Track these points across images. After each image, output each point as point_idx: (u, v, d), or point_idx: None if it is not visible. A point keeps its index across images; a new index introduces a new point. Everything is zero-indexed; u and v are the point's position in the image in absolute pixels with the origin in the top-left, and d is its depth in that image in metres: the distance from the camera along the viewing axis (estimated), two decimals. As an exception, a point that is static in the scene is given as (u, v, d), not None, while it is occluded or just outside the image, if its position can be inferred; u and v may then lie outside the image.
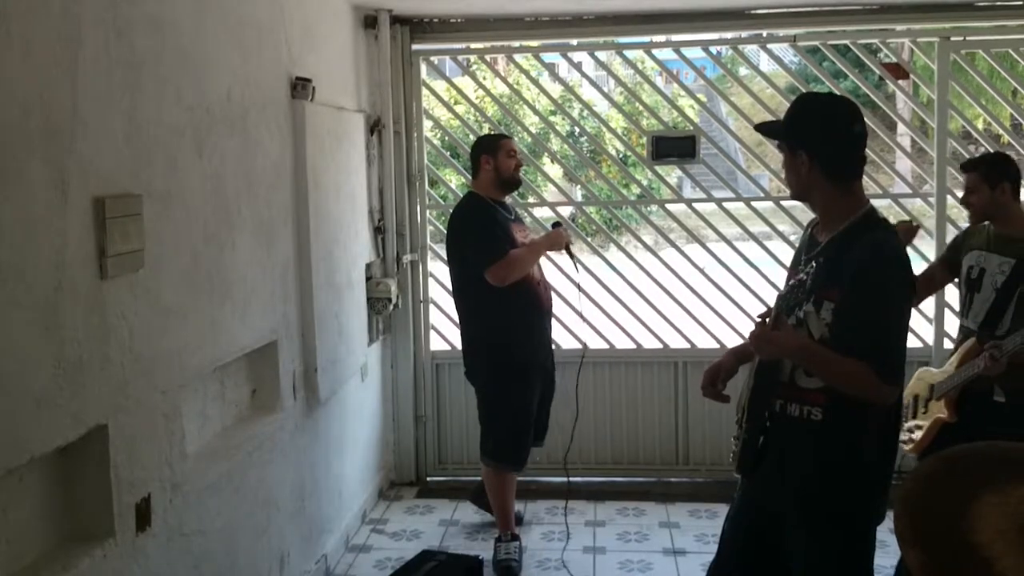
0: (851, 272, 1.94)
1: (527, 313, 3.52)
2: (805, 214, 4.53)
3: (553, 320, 3.77)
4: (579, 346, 4.43)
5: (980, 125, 8.11)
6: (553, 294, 3.84)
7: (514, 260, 3.40)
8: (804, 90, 4.73)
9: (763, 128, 2.15)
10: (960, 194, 3.16)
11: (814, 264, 1.97)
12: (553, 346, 3.81)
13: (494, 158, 3.57)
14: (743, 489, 2.23)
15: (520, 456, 3.59)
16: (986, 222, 3.01)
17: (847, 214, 2.03)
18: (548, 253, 3.74)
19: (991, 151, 3.60)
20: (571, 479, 3.90)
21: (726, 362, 2.28)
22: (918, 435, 2.98)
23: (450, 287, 3.73)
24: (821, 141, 2.02)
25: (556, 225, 3.75)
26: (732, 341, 4.46)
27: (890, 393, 1.97)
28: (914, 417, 3.05)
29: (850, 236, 2.00)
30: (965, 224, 4.54)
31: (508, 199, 3.74)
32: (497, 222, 3.51)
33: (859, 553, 2.05)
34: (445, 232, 3.67)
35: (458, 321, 3.66)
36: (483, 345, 3.56)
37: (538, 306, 3.55)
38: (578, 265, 3.81)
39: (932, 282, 3.26)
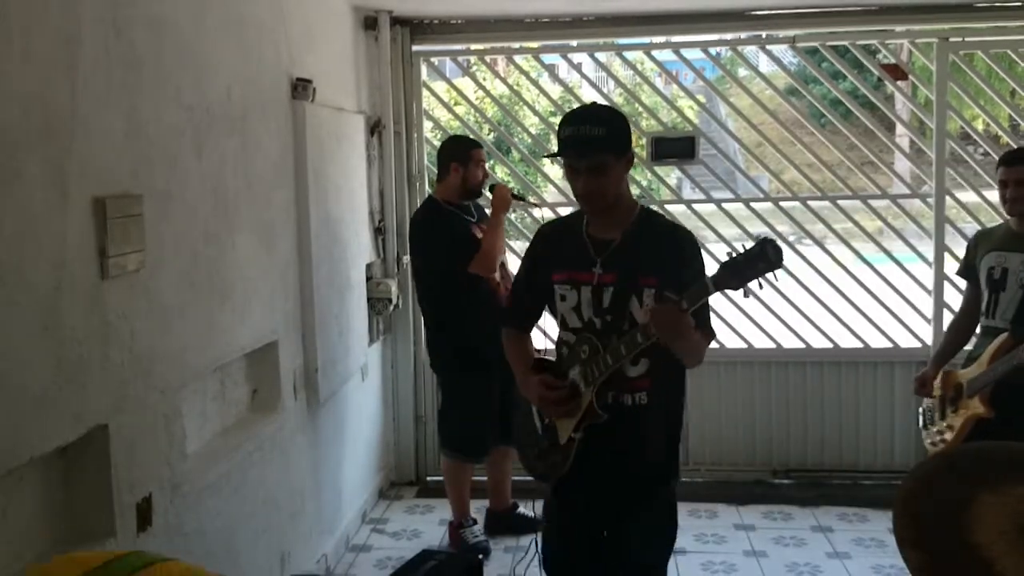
0: (671, 257, 2.17)
1: (488, 316, 3.55)
2: (805, 214, 4.57)
3: None
4: None
5: (978, 126, 8.12)
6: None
7: (487, 248, 3.52)
8: (804, 91, 4.74)
9: (599, 144, 2.12)
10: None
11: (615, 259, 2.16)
12: None
13: (464, 167, 3.61)
14: (566, 496, 2.29)
15: (479, 448, 3.70)
16: (1002, 225, 3.02)
17: (633, 208, 2.24)
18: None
19: (991, 151, 3.60)
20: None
21: None
22: (949, 436, 2.94)
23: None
24: (631, 139, 2.24)
25: (492, 188, 3.74)
26: (731, 341, 4.48)
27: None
28: (942, 417, 3.01)
29: (644, 226, 2.22)
30: (964, 225, 4.56)
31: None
32: (456, 227, 3.57)
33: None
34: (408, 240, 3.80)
35: (424, 323, 3.85)
36: (447, 344, 3.70)
37: (494, 305, 3.59)
38: (533, 198, 3.93)
39: (973, 306, 3.12)
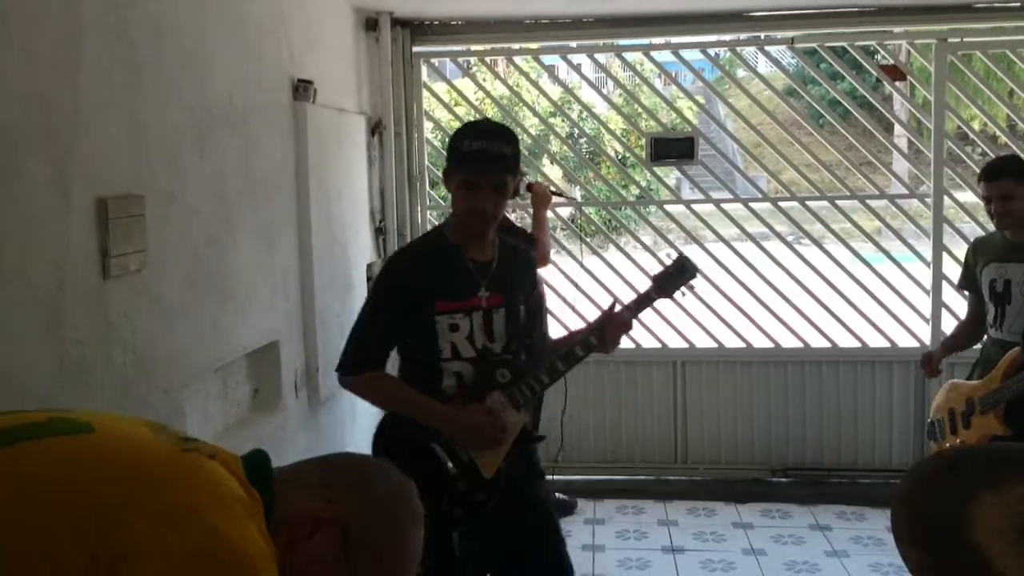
0: (529, 271, 2.30)
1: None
2: (803, 214, 4.57)
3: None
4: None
5: (976, 126, 8.13)
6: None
7: (546, 243, 3.64)
8: (802, 92, 4.75)
9: (505, 163, 2.09)
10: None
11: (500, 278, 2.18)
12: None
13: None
14: (481, 528, 2.19)
15: None
16: (998, 232, 2.96)
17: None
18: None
19: (1000, 153, 3.58)
20: (571, 477, 3.97)
21: None
22: None
23: None
24: None
25: (529, 188, 3.74)
26: (730, 341, 4.49)
27: None
28: (953, 433, 2.97)
29: (504, 244, 2.27)
30: (963, 225, 4.57)
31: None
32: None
33: None
34: None
35: None
36: None
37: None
38: (560, 192, 3.97)
39: (978, 315, 3.11)
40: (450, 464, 2.09)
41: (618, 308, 2.25)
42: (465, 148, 2.09)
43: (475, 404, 2.10)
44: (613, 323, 2.19)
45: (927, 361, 3.21)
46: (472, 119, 8.57)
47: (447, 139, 2.14)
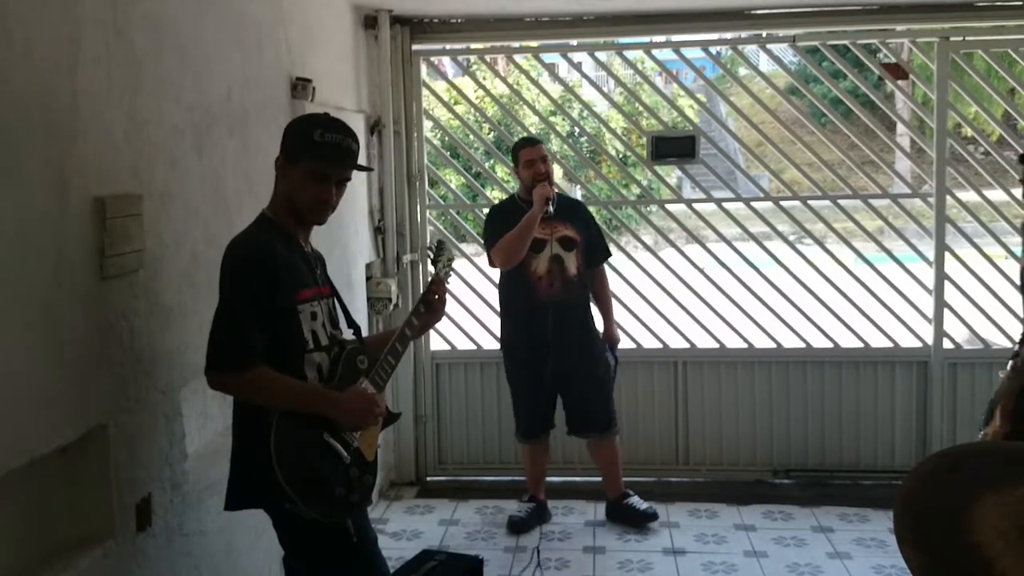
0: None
1: (518, 305, 3.76)
2: (805, 214, 4.56)
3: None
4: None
5: (979, 124, 8.11)
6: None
7: (503, 243, 3.65)
8: (804, 90, 4.75)
9: (356, 159, 2.11)
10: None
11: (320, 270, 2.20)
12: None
13: (516, 166, 3.79)
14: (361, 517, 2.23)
15: (521, 430, 3.90)
16: None
17: None
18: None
19: (1002, 151, 3.53)
20: (572, 479, 3.98)
21: None
22: None
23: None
24: None
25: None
26: (732, 341, 4.48)
27: None
28: (987, 425, 2.94)
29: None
30: (965, 225, 4.55)
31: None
32: (509, 219, 3.67)
33: None
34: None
35: None
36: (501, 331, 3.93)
37: (533, 299, 3.71)
38: (552, 207, 3.66)
39: None
40: (344, 452, 2.06)
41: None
42: (319, 138, 2.03)
43: (354, 387, 2.11)
44: (442, 302, 2.35)
45: None
46: (473, 118, 8.61)
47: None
